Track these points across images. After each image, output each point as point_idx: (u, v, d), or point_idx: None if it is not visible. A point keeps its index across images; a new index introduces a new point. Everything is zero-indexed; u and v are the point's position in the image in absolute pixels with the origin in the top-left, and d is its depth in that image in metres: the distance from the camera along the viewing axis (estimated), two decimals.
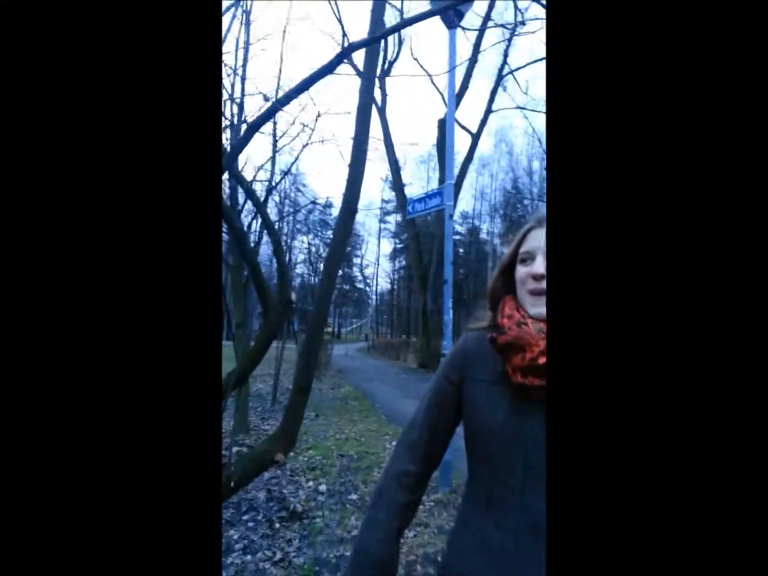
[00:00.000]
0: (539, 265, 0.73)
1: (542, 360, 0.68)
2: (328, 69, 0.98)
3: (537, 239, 0.76)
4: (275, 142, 5.17)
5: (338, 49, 1.02)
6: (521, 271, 0.77)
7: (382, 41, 11.79)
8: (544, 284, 0.72)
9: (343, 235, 1.66)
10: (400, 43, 14.08)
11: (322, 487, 3.65)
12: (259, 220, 4.50)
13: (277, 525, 2.96)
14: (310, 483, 3.74)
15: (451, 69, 4.07)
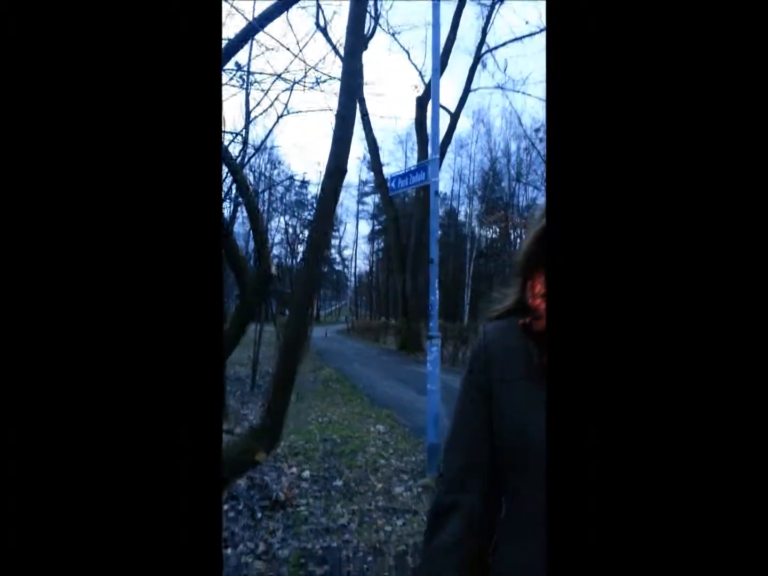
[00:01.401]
0: None
1: None
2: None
3: None
4: (248, 113, 4.90)
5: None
6: None
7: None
8: None
9: (331, 201, 1.48)
10: (377, 17, 13.68)
11: (306, 474, 3.54)
12: (233, 195, 4.26)
13: (259, 515, 2.83)
14: (293, 469, 3.62)
15: (435, 36, 3.87)
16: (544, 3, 0.51)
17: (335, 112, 1.57)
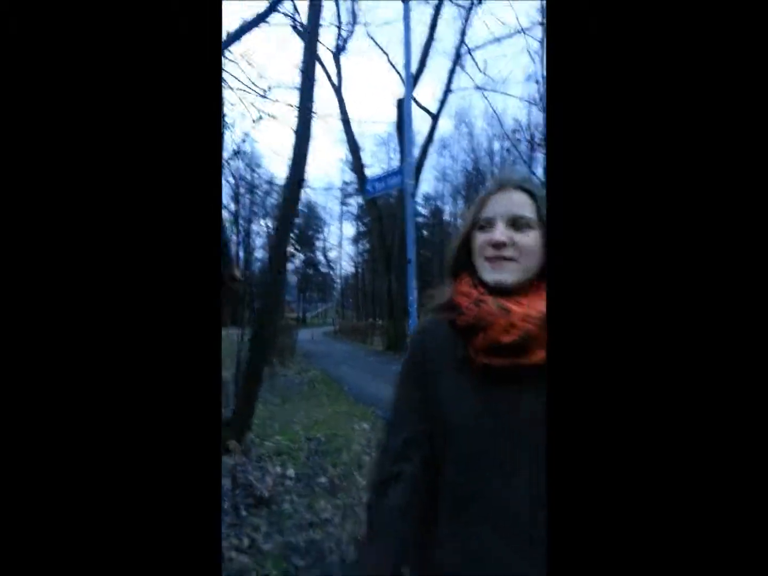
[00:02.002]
0: (499, 233, 0.69)
1: (505, 339, 0.64)
2: (270, 9, 0.89)
3: (497, 205, 0.72)
4: (222, 117, 4.96)
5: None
6: (480, 237, 0.72)
7: (336, 14, 11.42)
8: (504, 252, 0.68)
9: (289, 210, 1.57)
10: (354, 19, 13.77)
11: (290, 472, 3.61)
12: None
13: (244, 513, 2.89)
14: (278, 468, 3.68)
15: (406, 42, 3.98)
16: (520, 5, 0.56)
17: (294, 129, 1.66)
